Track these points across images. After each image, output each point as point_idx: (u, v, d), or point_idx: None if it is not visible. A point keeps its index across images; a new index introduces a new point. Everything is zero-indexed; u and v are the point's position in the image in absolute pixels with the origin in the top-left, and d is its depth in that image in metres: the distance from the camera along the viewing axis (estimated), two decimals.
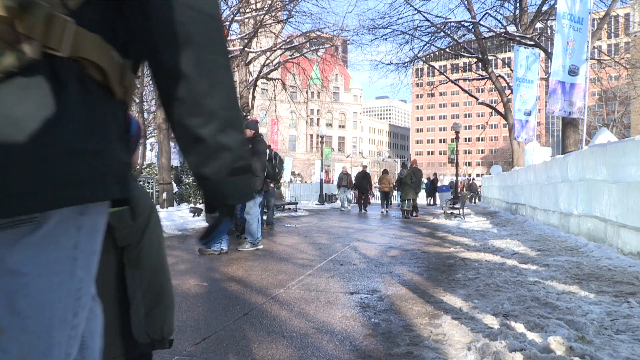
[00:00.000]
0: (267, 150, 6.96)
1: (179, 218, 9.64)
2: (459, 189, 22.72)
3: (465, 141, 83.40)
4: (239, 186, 0.79)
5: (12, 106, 0.58)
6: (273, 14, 14.33)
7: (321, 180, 22.29)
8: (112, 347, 1.24)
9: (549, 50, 14.81)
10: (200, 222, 9.48)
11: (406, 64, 20.07)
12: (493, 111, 19.65)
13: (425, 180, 24.35)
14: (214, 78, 0.72)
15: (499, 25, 18.51)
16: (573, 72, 9.99)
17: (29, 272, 0.62)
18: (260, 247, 6.59)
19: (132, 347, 1.33)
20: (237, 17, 13.73)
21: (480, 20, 17.31)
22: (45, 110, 0.61)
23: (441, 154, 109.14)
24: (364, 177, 17.76)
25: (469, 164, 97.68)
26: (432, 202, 25.27)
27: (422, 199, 26.93)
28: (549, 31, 18.65)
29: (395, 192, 18.41)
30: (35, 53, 0.60)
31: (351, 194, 20.26)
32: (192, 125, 0.73)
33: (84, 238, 0.69)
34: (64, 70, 0.63)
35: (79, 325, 0.71)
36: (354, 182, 18.56)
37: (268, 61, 18.31)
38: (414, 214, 14.43)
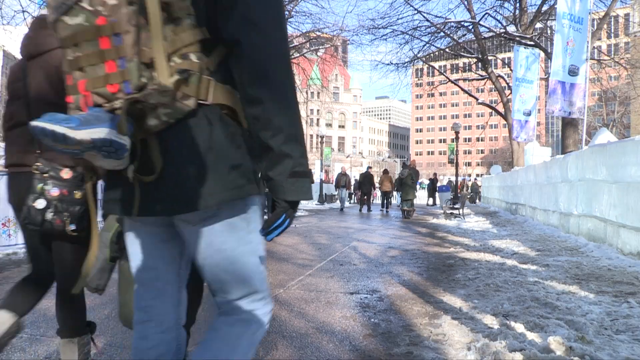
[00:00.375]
0: None
1: None
2: (459, 188, 22.72)
3: (465, 141, 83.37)
4: (297, 186, 1.00)
5: (198, 140, 0.95)
6: None
7: (321, 180, 22.27)
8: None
9: (549, 50, 14.81)
10: None
11: (406, 64, 20.07)
12: (493, 111, 19.66)
13: (427, 181, 24.33)
14: (282, 103, 0.97)
15: (499, 25, 18.52)
16: (573, 72, 9.99)
17: (226, 244, 1.03)
18: None
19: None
20: None
21: (480, 20, 17.32)
22: (205, 140, 0.95)
23: (441, 154, 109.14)
24: (367, 177, 17.78)
25: (469, 164, 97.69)
26: (432, 203, 25.26)
27: (422, 199, 26.96)
28: (549, 31, 18.65)
29: (395, 193, 18.39)
30: (194, 104, 0.94)
31: (346, 193, 20.20)
32: (264, 137, 0.97)
33: (248, 217, 1.06)
34: (210, 113, 0.97)
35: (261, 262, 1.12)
36: (352, 182, 18.52)
37: None
38: (413, 214, 14.44)
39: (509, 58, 22.02)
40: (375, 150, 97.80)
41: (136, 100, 0.89)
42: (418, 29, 18.05)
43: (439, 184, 25.11)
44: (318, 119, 63.30)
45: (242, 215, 1.05)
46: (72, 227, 1.82)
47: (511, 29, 17.79)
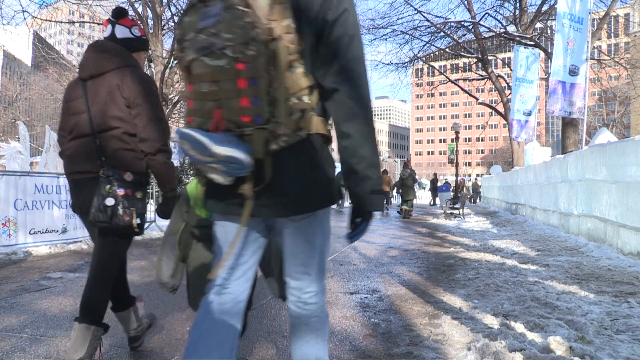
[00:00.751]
0: None
1: None
2: (459, 188, 22.70)
3: (465, 141, 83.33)
4: (375, 201, 1.27)
5: (305, 160, 1.23)
6: None
7: None
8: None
9: (549, 50, 14.81)
10: None
11: (406, 64, 20.06)
12: (493, 111, 19.65)
13: (427, 181, 24.27)
14: (366, 138, 1.24)
15: (499, 25, 18.51)
16: (573, 72, 9.99)
17: (317, 236, 1.34)
18: None
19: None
20: None
21: (480, 20, 17.31)
22: (311, 160, 1.24)
23: (441, 154, 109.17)
24: None
25: (469, 164, 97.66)
26: (432, 203, 25.26)
27: (423, 199, 26.93)
28: (549, 31, 18.64)
29: (394, 193, 18.35)
30: (304, 134, 1.21)
31: (345, 193, 20.06)
32: (351, 163, 1.25)
33: (329, 220, 1.40)
34: (314, 140, 1.24)
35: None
36: None
37: None
38: (411, 214, 14.44)
39: (509, 58, 22.02)
40: None
41: (263, 129, 1.15)
42: (418, 28, 18.04)
43: (438, 184, 25.11)
44: None
45: (327, 217, 1.38)
46: (138, 221, 2.09)
47: (511, 28, 17.79)
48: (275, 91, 1.13)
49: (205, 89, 1.18)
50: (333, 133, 1.31)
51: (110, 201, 2.01)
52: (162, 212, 2.24)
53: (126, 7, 14.66)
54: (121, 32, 2.24)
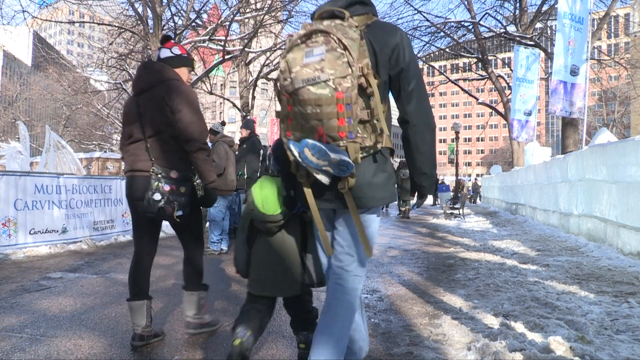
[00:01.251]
0: (261, 151, 6.94)
1: None
2: (459, 188, 22.69)
3: (465, 141, 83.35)
4: (431, 188, 1.79)
5: (378, 167, 1.64)
6: (273, 14, 14.31)
7: None
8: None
9: (549, 50, 14.81)
10: None
11: None
12: (493, 111, 19.65)
13: None
14: (431, 153, 1.73)
15: (499, 25, 18.50)
16: (574, 72, 9.99)
17: (372, 225, 1.73)
18: None
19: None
20: (237, 17, 13.72)
21: (480, 20, 17.29)
22: (383, 167, 1.65)
23: (441, 154, 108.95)
24: None
25: (469, 164, 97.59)
26: (432, 203, 25.24)
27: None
28: (549, 31, 18.65)
29: None
30: (379, 148, 1.61)
31: None
32: (422, 168, 1.74)
33: (380, 211, 1.79)
34: (384, 151, 1.67)
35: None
36: None
37: (268, 61, 18.28)
38: (409, 213, 14.43)
39: (509, 58, 22.02)
40: None
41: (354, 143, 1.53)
42: (418, 29, 18.01)
43: (438, 184, 25.10)
44: None
45: (380, 210, 1.77)
46: (179, 213, 2.50)
47: (511, 29, 17.78)
48: (362, 114, 1.54)
49: (309, 111, 1.52)
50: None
51: (157, 196, 2.43)
52: (205, 201, 2.66)
53: (126, 7, 14.65)
54: (164, 53, 2.71)
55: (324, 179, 1.57)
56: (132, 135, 2.58)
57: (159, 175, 2.45)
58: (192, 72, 2.91)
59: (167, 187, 2.45)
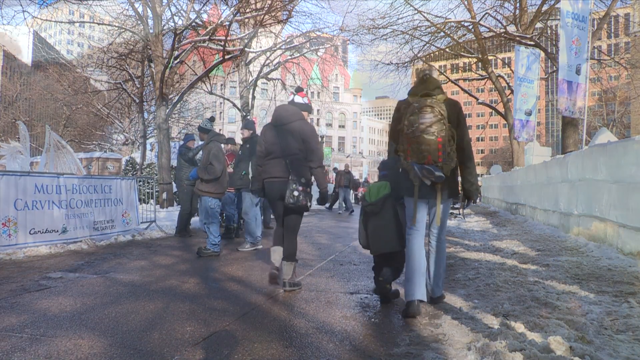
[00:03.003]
0: None
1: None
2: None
3: None
4: (476, 194, 3.46)
5: (450, 175, 3.27)
6: (273, 14, 14.31)
7: None
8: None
9: (549, 50, 14.80)
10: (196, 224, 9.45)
11: (406, 64, 20.03)
12: (493, 111, 19.64)
13: (428, 182, 24.12)
14: (474, 170, 3.35)
15: (499, 25, 18.50)
16: (579, 70, 9.99)
17: (446, 212, 3.46)
18: (260, 247, 6.58)
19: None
20: (237, 17, 13.71)
21: (480, 20, 17.28)
22: (455, 177, 3.32)
23: None
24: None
25: None
26: None
27: None
28: (549, 31, 18.63)
29: None
30: (453, 166, 3.20)
31: (351, 195, 19.84)
32: (467, 186, 3.35)
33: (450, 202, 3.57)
34: (455, 170, 3.29)
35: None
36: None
37: (268, 61, 18.28)
38: None
39: (509, 58, 22.03)
40: (375, 150, 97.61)
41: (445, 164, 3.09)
42: (418, 28, 18.01)
43: None
44: (318, 119, 63.19)
45: (451, 202, 3.37)
46: (310, 204, 3.89)
47: (511, 28, 17.76)
48: (449, 148, 3.04)
49: (423, 147, 3.01)
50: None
51: (297, 192, 3.78)
52: (321, 201, 4.22)
53: (126, 7, 14.62)
54: (297, 99, 4.13)
55: (427, 182, 3.08)
56: (272, 153, 3.96)
57: (295, 180, 3.80)
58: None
59: (300, 188, 3.79)
